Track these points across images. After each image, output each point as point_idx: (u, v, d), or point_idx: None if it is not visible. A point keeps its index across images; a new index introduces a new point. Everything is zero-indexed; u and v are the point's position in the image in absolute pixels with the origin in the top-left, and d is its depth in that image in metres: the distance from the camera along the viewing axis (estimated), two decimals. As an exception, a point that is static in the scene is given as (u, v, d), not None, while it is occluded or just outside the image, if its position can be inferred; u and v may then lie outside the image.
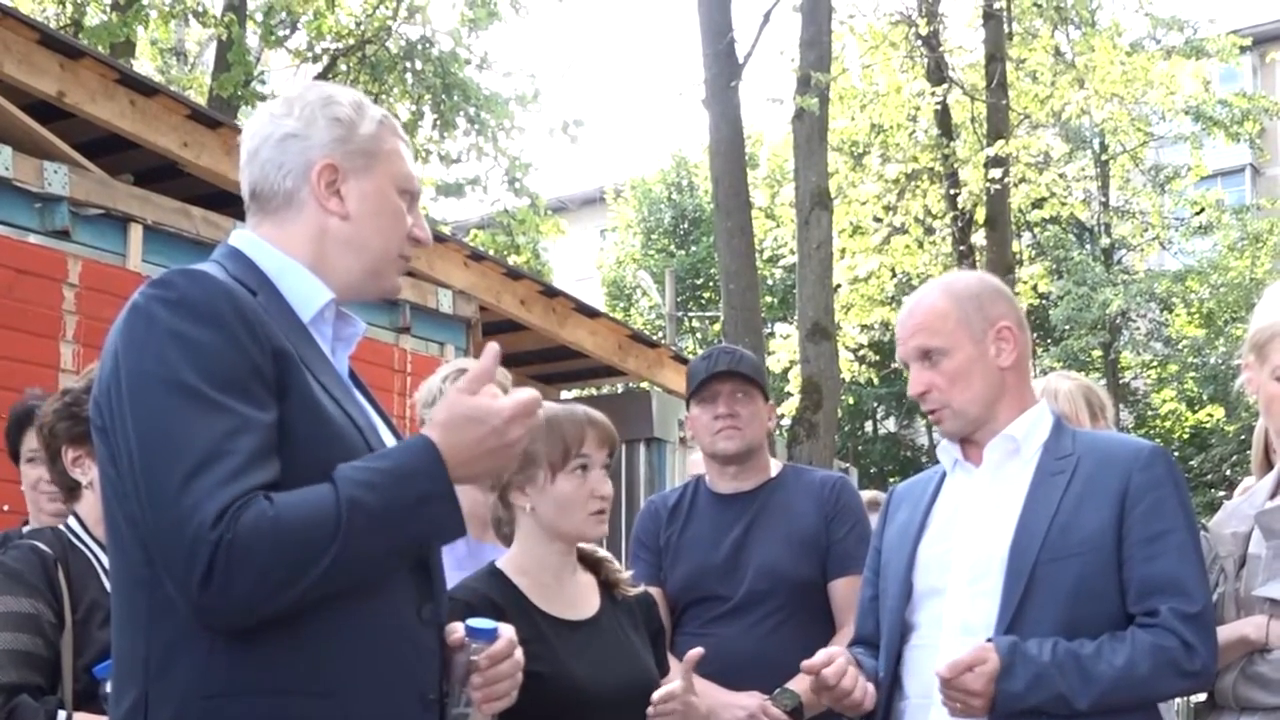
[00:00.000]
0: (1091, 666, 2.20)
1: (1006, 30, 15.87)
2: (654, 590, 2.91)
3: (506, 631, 1.85)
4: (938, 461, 2.60)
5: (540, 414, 1.69)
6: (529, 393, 1.68)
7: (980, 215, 15.82)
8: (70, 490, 2.49)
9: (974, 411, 2.43)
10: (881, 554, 2.59)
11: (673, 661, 2.75)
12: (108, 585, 2.29)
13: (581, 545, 2.53)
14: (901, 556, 2.48)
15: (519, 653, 1.87)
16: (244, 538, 1.50)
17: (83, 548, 2.42)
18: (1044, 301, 21.66)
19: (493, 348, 1.68)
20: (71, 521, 2.47)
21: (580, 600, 2.49)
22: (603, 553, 2.59)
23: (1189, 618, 2.23)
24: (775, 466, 3.42)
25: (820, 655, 2.38)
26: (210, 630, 1.57)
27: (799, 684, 3.04)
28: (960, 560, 2.38)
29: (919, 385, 2.45)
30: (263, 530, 1.51)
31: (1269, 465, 2.72)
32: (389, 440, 1.81)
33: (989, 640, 2.23)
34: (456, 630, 1.81)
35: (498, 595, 2.36)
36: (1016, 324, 2.46)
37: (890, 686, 2.42)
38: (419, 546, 1.70)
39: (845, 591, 3.21)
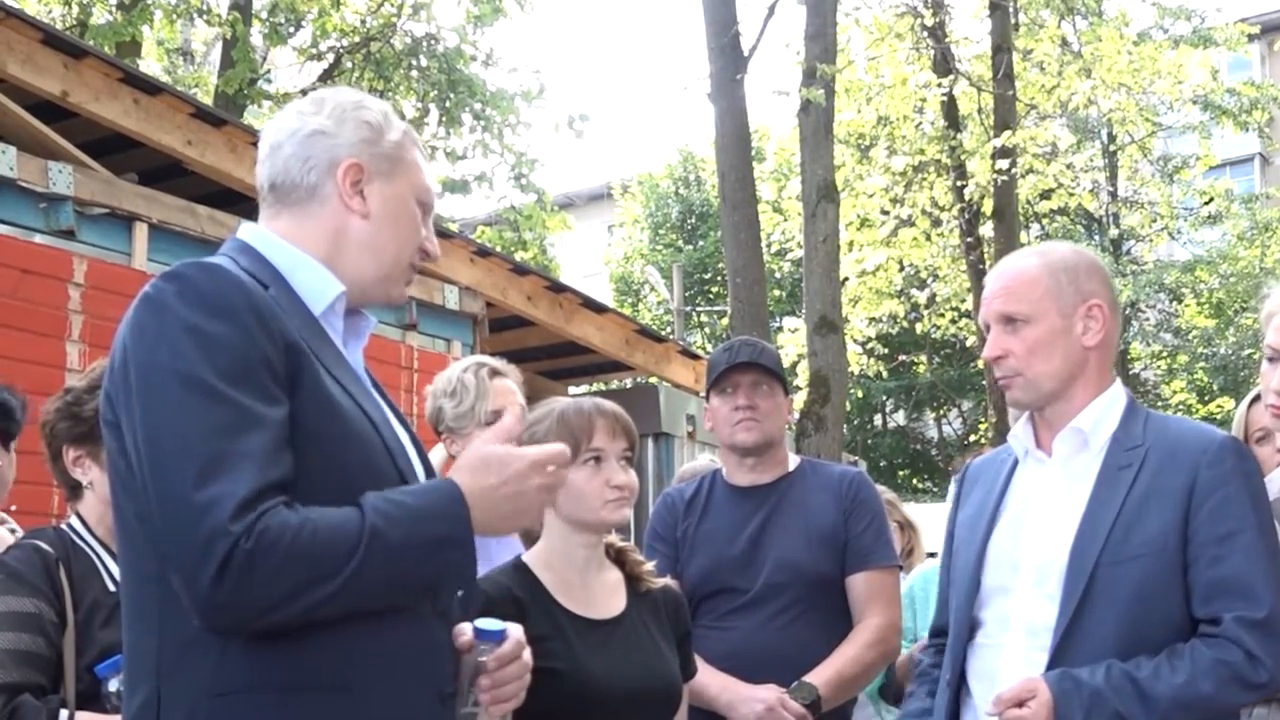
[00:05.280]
0: (1150, 688, 2.10)
1: (1013, 21, 15.84)
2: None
3: (515, 633, 1.83)
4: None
5: (564, 473, 1.76)
6: (556, 446, 1.76)
7: (988, 207, 15.77)
8: (72, 490, 2.48)
9: (1048, 386, 2.34)
10: (954, 540, 2.51)
11: (701, 665, 2.73)
12: (110, 585, 2.31)
13: (607, 539, 2.50)
14: (971, 550, 2.40)
15: (527, 654, 1.85)
16: (267, 541, 1.49)
17: (85, 547, 2.39)
18: (1053, 293, 21.54)
19: (514, 412, 1.82)
20: (73, 521, 2.46)
21: (605, 598, 2.46)
22: (625, 543, 2.56)
23: (1254, 625, 2.12)
24: (793, 461, 3.40)
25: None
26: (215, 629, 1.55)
27: (817, 677, 3.03)
28: (1027, 560, 2.31)
29: (995, 350, 2.36)
30: (285, 538, 1.50)
31: None
32: (401, 433, 1.81)
33: (1040, 675, 2.15)
34: (464, 632, 1.79)
35: (520, 589, 2.35)
36: (1109, 304, 2.37)
37: (957, 684, 2.36)
38: (429, 586, 1.69)
39: (863, 586, 3.20)
